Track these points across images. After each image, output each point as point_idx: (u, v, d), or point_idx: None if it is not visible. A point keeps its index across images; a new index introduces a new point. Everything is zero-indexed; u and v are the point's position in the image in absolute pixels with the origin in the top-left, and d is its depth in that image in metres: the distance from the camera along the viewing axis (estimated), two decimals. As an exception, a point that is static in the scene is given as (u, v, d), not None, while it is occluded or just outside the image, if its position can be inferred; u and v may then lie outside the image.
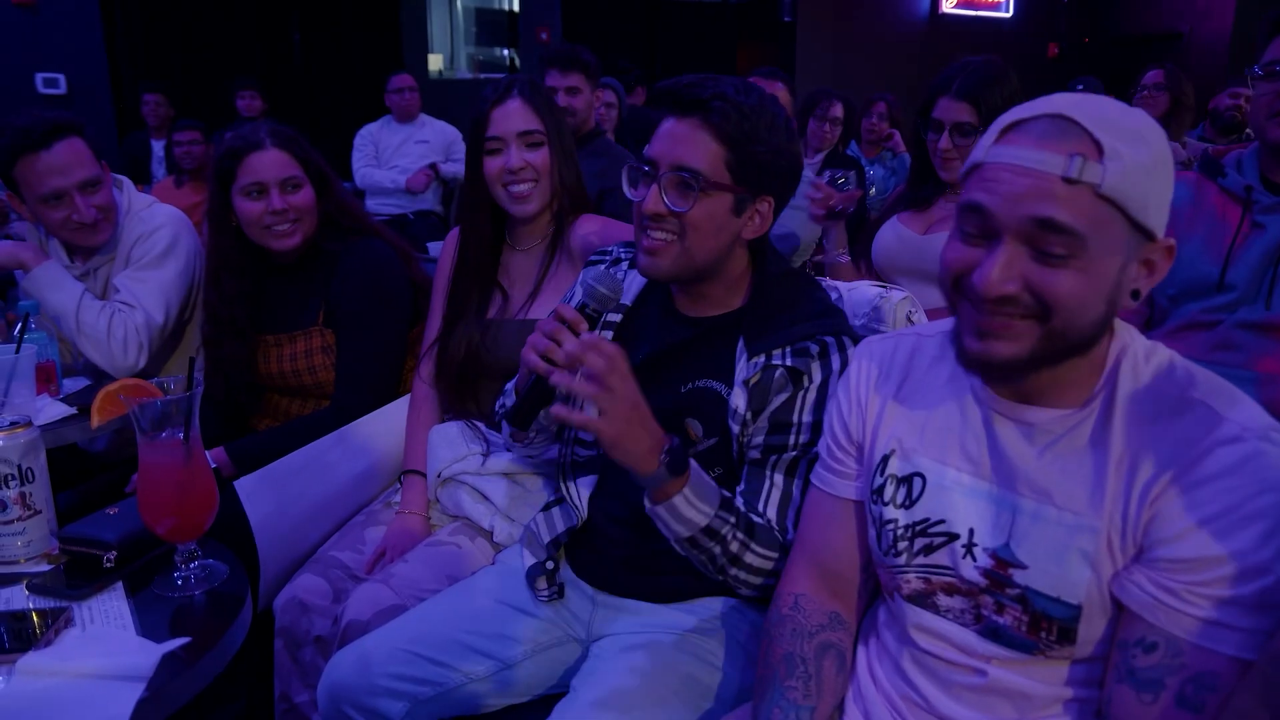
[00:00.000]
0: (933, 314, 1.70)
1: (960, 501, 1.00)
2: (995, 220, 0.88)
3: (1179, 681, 0.85)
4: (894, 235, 2.17)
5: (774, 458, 1.25)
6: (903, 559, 1.04)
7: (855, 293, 1.54)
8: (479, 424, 1.79)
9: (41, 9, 6.36)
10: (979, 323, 0.91)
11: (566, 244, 1.76)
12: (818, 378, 1.24)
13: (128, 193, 2.14)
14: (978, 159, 0.92)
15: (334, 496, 1.78)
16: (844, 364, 1.23)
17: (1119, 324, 0.96)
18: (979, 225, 0.90)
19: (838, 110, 4.11)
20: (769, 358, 1.24)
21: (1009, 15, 10.02)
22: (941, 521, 1.01)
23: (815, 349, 1.24)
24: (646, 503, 1.18)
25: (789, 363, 1.23)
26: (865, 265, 2.26)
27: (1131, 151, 0.85)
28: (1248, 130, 4.96)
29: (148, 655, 1.01)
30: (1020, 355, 0.90)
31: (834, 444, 1.15)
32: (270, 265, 1.97)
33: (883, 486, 1.07)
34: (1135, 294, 0.91)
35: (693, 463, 1.18)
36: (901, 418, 1.07)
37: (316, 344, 1.91)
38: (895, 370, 1.10)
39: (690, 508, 1.16)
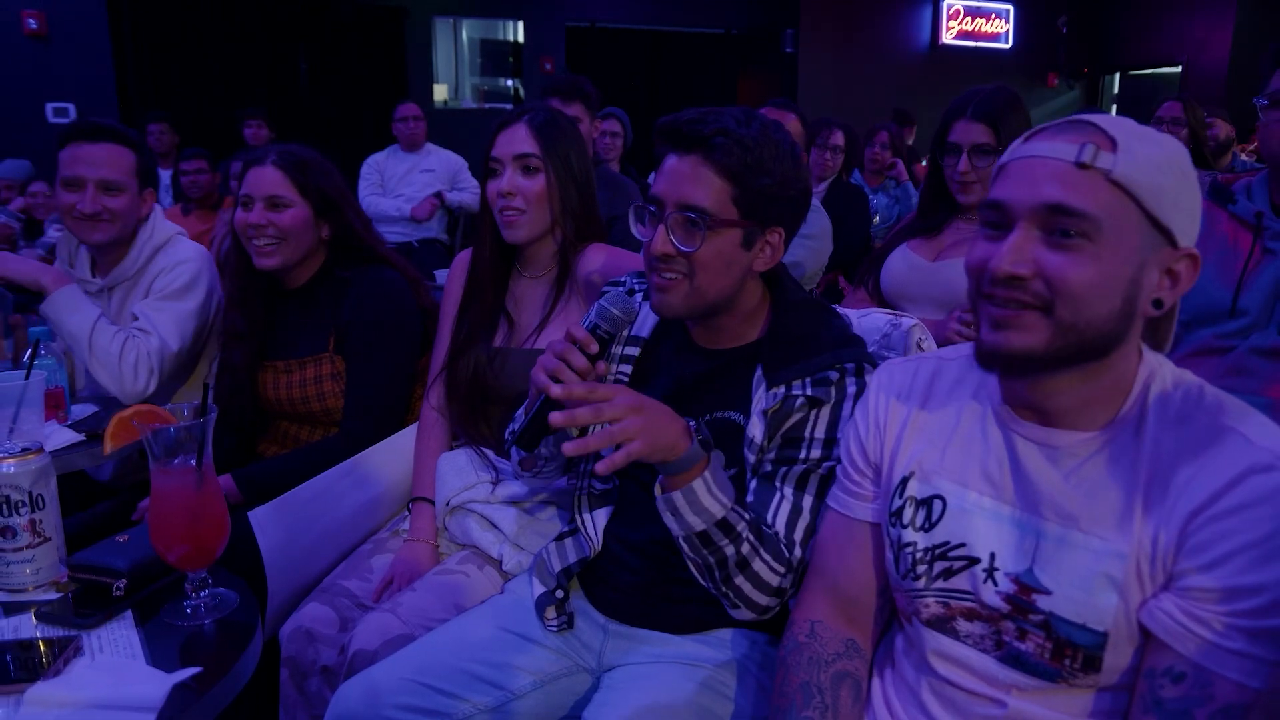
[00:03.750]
0: (943, 342, 1.70)
1: (981, 525, 0.99)
2: (1011, 209, 0.90)
3: (1207, 714, 0.84)
4: (904, 262, 2.17)
5: (784, 470, 1.23)
6: (921, 583, 1.03)
7: (866, 320, 1.54)
8: (488, 452, 1.78)
9: (52, 40, 6.46)
10: (994, 315, 0.91)
11: (575, 275, 1.75)
12: (832, 399, 1.23)
13: (154, 221, 2.15)
14: (1003, 161, 0.95)
15: (342, 524, 1.76)
16: (860, 388, 1.22)
17: (1146, 349, 0.96)
18: (998, 218, 0.92)
19: (838, 138, 4.15)
20: (789, 388, 1.23)
21: (1009, 46, 10.13)
22: (962, 545, 1.00)
23: (835, 376, 1.23)
24: (659, 490, 1.15)
25: (809, 392, 1.22)
26: (872, 293, 2.25)
27: (1144, 147, 0.88)
28: (1244, 155, 4.99)
29: (158, 685, 0.99)
30: (1035, 347, 0.89)
31: (852, 466, 1.14)
32: (281, 291, 1.98)
33: (901, 509, 1.06)
34: (1158, 303, 0.91)
35: (714, 452, 1.16)
36: (921, 439, 1.07)
37: (326, 370, 1.91)
38: (915, 392, 1.10)
39: (709, 496, 1.13)
